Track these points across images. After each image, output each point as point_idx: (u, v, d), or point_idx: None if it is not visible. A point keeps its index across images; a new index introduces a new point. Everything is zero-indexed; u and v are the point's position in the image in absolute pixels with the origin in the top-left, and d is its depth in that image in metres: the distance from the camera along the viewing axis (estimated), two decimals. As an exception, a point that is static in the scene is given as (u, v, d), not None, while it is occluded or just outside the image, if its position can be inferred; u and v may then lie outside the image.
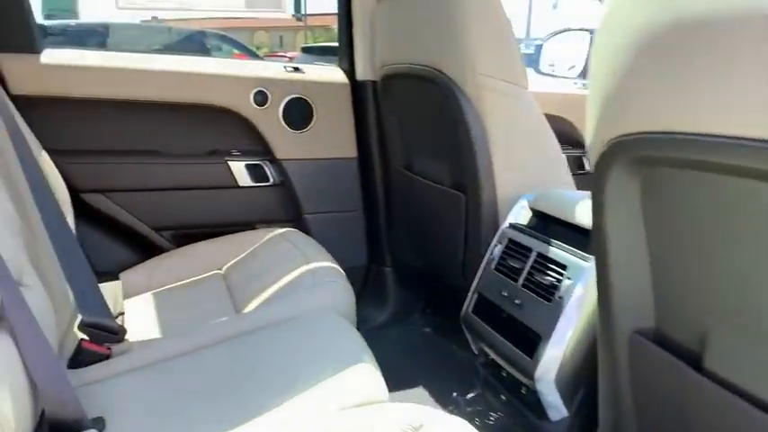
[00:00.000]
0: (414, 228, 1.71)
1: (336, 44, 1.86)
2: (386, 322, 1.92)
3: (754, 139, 0.47)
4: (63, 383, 0.84)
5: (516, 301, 1.04)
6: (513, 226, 1.15)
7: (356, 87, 1.79)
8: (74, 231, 1.39)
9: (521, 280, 1.05)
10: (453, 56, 1.20)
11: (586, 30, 1.97)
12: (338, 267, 1.34)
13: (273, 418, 0.84)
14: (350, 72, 1.80)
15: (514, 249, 1.10)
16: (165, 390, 0.96)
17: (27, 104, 1.46)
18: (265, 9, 1.73)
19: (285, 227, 1.73)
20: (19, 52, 1.49)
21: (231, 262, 1.49)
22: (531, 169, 1.24)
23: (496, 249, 1.14)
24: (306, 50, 10.52)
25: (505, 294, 1.07)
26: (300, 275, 1.27)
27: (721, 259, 0.58)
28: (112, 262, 1.56)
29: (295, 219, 1.82)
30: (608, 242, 0.69)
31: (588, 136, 0.68)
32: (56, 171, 1.40)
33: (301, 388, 0.88)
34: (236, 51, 7.73)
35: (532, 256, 1.04)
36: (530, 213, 1.16)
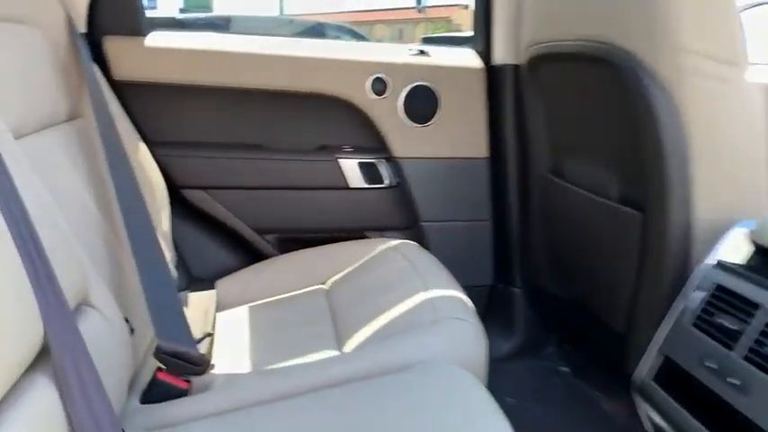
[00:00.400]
0: (558, 248, 1.39)
1: (458, 34, 1.58)
2: (511, 354, 1.62)
3: None
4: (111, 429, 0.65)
5: (733, 380, 0.71)
6: (723, 265, 0.81)
7: (492, 73, 1.50)
8: (169, 231, 1.24)
9: (741, 348, 0.72)
10: (642, 25, 0.88)
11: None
12: (465, 298, 1.07)
13: None
14: (485, 54, 1.51)
15: (728, 301, 0.76)
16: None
17: (129, 91, 1.35)
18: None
19: (399, 235, 1.50)
20: (123, 35, 1.37)
21: (336, 276, 1.28)
22: (748, 185, 0.88)
23: (696, 296, 0.81)
24: (426, 41, 10.32)
25: (713, 366, 0.74)
26: (418, 307, 1.02)
27: None
28: (209, 266, 1.41)
29: (411, 226, 1.57)
30: None
31: None
32: (154, 164, 1.26)
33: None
34: (358, 45, 7.68)
35: (761, 317, 0.71)
36: (749, 248, 0.81)
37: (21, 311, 0.60)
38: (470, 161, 1.56)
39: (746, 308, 0.73)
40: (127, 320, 0.89)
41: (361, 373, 0.88)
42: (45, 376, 0.62)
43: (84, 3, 1.32)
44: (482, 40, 1.51)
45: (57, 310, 0.65)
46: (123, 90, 1.36)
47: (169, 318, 0.92)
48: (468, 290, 1.58)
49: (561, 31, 1.13)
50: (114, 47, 1.36)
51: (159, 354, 0.89)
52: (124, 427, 0.72)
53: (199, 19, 6.38)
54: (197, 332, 1.05)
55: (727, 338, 0.74)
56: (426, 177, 1.55)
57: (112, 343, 0.80)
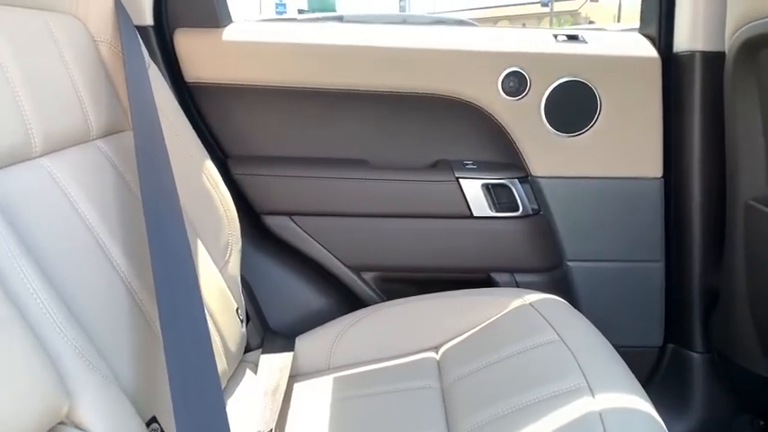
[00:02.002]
0: (757, 304, 0.96)
1: (586, 28, 1.17)
2: None
3: None
4: None
5: None
6: None
7: (671, 64, 1.09)
8: (238, 273, 0.98)
9: None
10: None
11: None
12: (654, 414, 0.69)
13: None
14: (663, 40, 1.10)
15: None
16: None
17: (202, 95, 1.11)
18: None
19: (536, 279, 1.14)
20: (196, 26, 1.13)
21: (453, 342, 0.94)
22: None
23: None
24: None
25: None
26: (580, 423, 0.65)
27: None
28: (289, 316, 1.13)
29: (553, 268, 1.20)
30: None
31: None
32: (223, 186, 1.01)
33: None
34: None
35: None
36: None
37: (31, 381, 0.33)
38: (636, 182, 1.15)
39: None
40: (153, 422, 0.63)
41: None
42: None
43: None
44: (657, 20, 1.09)
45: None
46: (196, 94, 1.13)
47: (202, 425, 0.63)
48: (629, 350, 1.19)
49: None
50: (186, 42, 1.13)
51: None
52: None
53: (310, 20, 6.36)
54: (258, 427, 0.77)
55: None
56: (575, 203, 1.17)
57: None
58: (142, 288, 0.70)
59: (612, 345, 0.86)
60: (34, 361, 0.48)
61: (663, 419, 1.23)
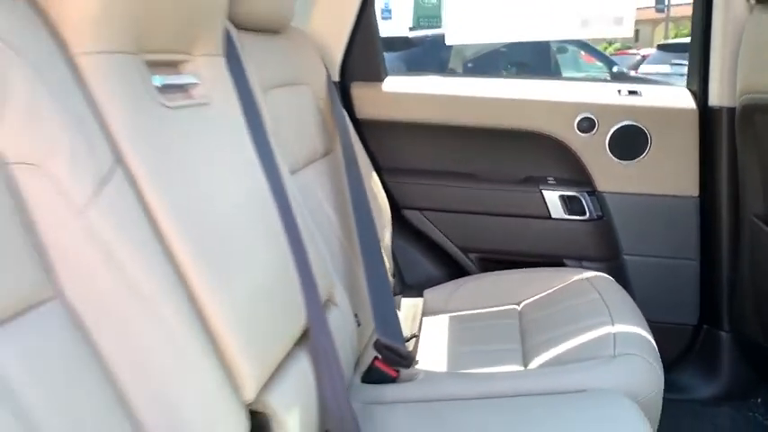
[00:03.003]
0: (764, 294, 1.34)
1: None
2: (714, 398, 1.58)
3: None
4: (343, 403, 0.91)
5: None
6: None
7: (706, 114, 1.49)
8: (390, 244, 1.51)
9: None
10: None
11: None
12: (649, 338, 1.13)
13: None
14: (701, 95, 1.50)
15: None
16: (439, 430, 0.96)
17: (367, 127, 1.65)
18: (604, 28, 1.56)
19: (597, 267, 1.57)
20: (365, 80, 1.68)
21: (530, 299, 1.42)
22: None
23: None
24: (662, 48, 9.54)
25: None
26: (601, 339, 1.12)
27: None
28: (420, 277, 1.65)
29: (610, 258, 1.63)
30: None
31: None
32: (380, 188, 1.55)
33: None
34: (582, 52, 7.47)
35: None
36: None
37: (292, 301, 0.89)
38: (678, 199, 1.56)
39: None
40: (356, 316, 1.17)
41: (539, 389, 1.03)
42: (304, 353, 0.90)
43: (339, 58, 1.67)
44: (698, 79, 1.50)
45: (314, 303, 0.93)
46: (363, 127, 1.67)
47: (387, 317, 1.17)
48: (667, 327, 1.58)
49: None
50: (359, 91, 1.68)
51: (378, 345, 1.15)
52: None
53: (427, 37, 6.86)
54: (406, 332, 1.29)
55: None
56: (631, 212, 1.59)
57: (345, 333, 1.08)
58: (348, 244, 1.25)
59: (656, 320, 1.25)
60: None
61: (694, 383, 1.66)
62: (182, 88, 0.84)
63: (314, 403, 0.88)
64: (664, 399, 1.06)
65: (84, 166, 0.61)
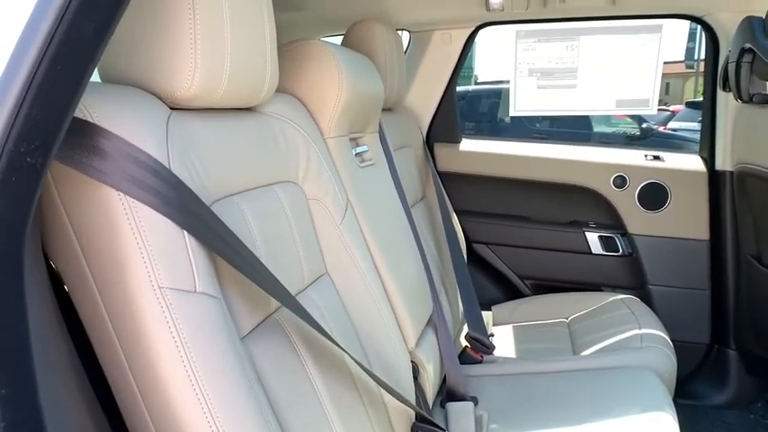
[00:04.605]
0: (761, 317, 1.74)
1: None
2: (723, 404, 1.96)
3: None
4: (456, 366, 1.35)
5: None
6: None
7: (714, 176, 1.93)
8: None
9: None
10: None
11: None
12: (667, 338, 1.55)
13: None
14: (709, 161, 1.95)
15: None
16: (518, 394, 1.39)
17: (446, 178, 2.13)
18: (633, 107, 2.04)
19: (628, 293, 1.99)
20: (445, 142, 2.18)
21: (576, 314, 1.85)
22: None
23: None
24: (690, 105, 9.96)
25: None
26: (631, 337, 1.54)
27: None
28: (487, 296, 2.10)
29: (639, 287, 2.05)
30: None
31: None
32: (458, 225, 2.02)
33: (605, 422, 1.19)
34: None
35: None
36: None
37: (425, 293, 1.35)
38: (693, 242, 1.98)
39: None
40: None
41: (587, 367, 1.45)
42: (431, 330, 1.36)
43: (426, 124, 2.17)
44: (707, 148, 1.95)
45: (435, 297, 1.39)
46: (443, 177, 2.15)
47: (475, 317, 1.62)
48: (685, 344, 1.98)
49: (755, 158, 1.56)
50: (440, 150, 2.18)
51: (468, 337, 1.59)
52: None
53: (469, 91, 7.42)
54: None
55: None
56: (655, 250, 2.02)
57: (449, 323, 1.53)
58: (442, 264, 1.71)
59: (676, 339, 1.65)
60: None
61: (707, 392, 2.06)
62: (361, 154, 1.34)
63: (439, 361, 1.33)
64: (684, 405, 1.45)
65: (337, 201, 1.09)
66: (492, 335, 1.77)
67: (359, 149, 1.32)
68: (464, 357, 1.57)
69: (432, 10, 1.98)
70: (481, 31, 2.10)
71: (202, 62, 0.71)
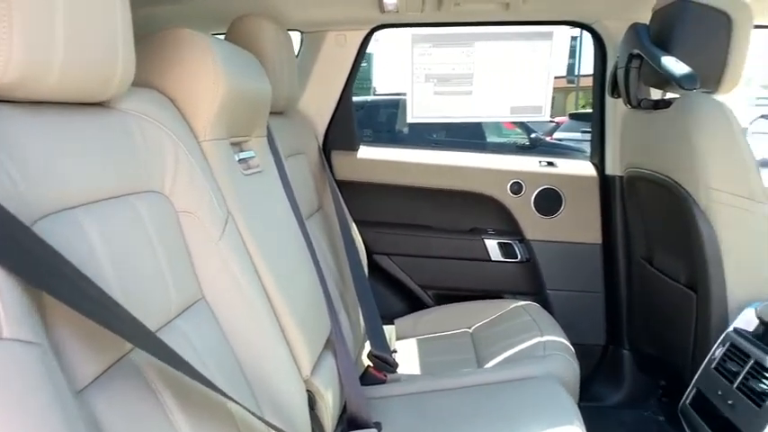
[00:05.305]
0: (651, 317, 1.79)
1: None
2: (619, 403, 2.00)
3: None
4: (358, 390, 1.24)
5: (729, 402, 1.11)
6: (737, 331, 1.22)
7: (604, 181, 1.98)
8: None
9: (736, 383, 1.12)
10: (688, 170, 1.34)
11: None
12: (568, 344, 1.54)
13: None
14: (599, 166, 2.00)
15: (735, 354, 1.17)
16: (423, 415, 1.30)
17: (345, 187, 2.02)
18: (527, 114, 2.05)
19: (528, 299, 1.98)
20: (343, 149, 2.07)
21: (478, 324, 1.80)
22: (763, 279, 1.28)
23: (718, 351, 1.22)
24: (573, 116, 10.64)
25: (720, 394, 1.15)
26: (534, 346, 1.51)
27: None
28: (389, 309, 2.01)
29: (538, 293, 2.05)
30: None
31: None
32: (359, 236, 1.91)
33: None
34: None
35: (750, 363, 1.11)
36: (756, 321, 1.21)
37: (322, 312, 1.23)
38: (586, 246, 2.02)
39: (743, 357, 1.13)
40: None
41: (491, 380, 1.40)
42: (329, 353, 1.24)
43: (322, 131, 2.06)
44: (598, 154, 2.00)
45: (333, 316, 1.27)
46: (341, 186, 2.04)
47: (377, 334, 1.51)
48: (583, 347, 2.00)
49: (643, 163, 1.60)
50: (337, 158, 2.07)
51: (371, 356, 1.49)
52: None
53: (367, 101, 7.40)
54: (387, 349, 1.64)
55: (730, 376, 1.14)
56: (551, 256, 2.04)
57: (350, 344, 1.41)
58: (341, 278, 1.60)
59: (573, 341, 1.64)
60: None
61: (603, 392, 2.08)
62: (246, 161, 1.19)
63: (338, 387, 1.21)
64: (584, 407, 1.44)
65: (214, 214, 0.95)
66: (395, 351, 1.68)
67: (243, 155, 1.18)
68: (367, 378, 1.46)
69: (324, 10, 1.87)
70: (379, 43, 2.03)
71: (20, 46, 0.57)
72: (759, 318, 1.19)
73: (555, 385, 1.32)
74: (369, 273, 1.94)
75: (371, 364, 1.48)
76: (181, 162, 0.90)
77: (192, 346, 0.80)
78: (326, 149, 2.06)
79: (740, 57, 1.39)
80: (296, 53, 1.74)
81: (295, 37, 2.01)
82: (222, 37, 1.50)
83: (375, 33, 2.02)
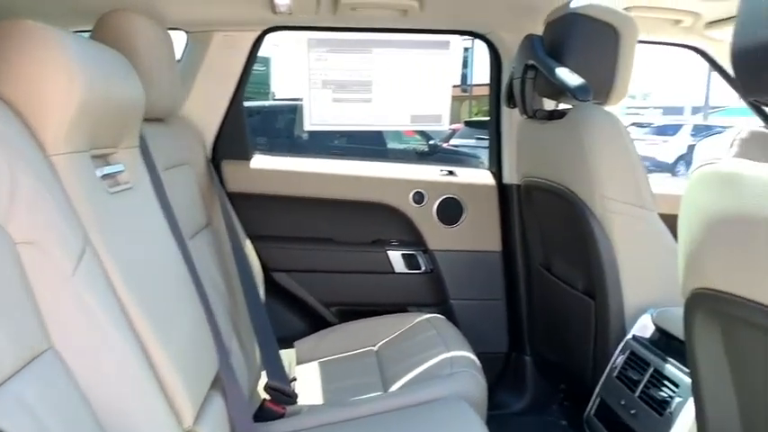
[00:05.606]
0: (551, 324, 1.81)
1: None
2: (522, 410, 2.01)
3: None
4: (252, 430, 1.11)
5: (632, 411, 1.12)
6: (636, 338, 1.23)
7: (503, 189, 1.98)
8: (263, 304, 1.73)
9: (638, 391, 1.13)
10: (583, 180, 1.35)
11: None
12: (474, 358, 1.50)
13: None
14: (497, 175, 2.00)
15: (635, 361, 1.18)
16: (324, 450, 1.20)
17: (237, 199, 1.87)
18: (427, 123, 2.02)
19: (433, 310, 1.94)
20: (234, 158, 1.93)
21: (383, 341, 1.73)
22: (657, 285, 1.31)
23: (619, 359, 1.23)
24: (468, 124, 11.02)
25: (623, 403, 1.15)
26: (440, 363, 1.46)
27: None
28: (290, 330, 1.88)
29: (442, 303, 2.02)
30: (699, 376, 0.79)
31: (679, 282, 0.80)
32: (254, 253, 1.78)
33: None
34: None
35: (650, 371, 1.12)
36: (652, 328, 1.23)
37: (208, 348, 1.09)
38: (487, 254, 2.01)
39: (643, 365, 1.15)
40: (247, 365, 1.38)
41: (398, 405, 1.32)
42: (218, 391, 1.10)
43: (211, 139, 1.90)
44: (495, 163, 2.01)
45: (222, 351, 1.14)
46: (233, 198, 1.89)
47: (274, 363, 1.39)
48: (487, 356, 1.99)
49: (540, 172, 1.61)
50: (229, 168, 1.92)
51: (267, 388, 1.36)
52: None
53: (264, 107, 7.16)
54: (286, 376, 1.52)
55: (632, 384, 1.15)
56: (454, 265, 2.01)
57: (243, 378, 1.28)
58: (233, 302, 1.46)
59: (478, 350, 1.62)
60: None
61: (507, 400, 2.08)
62: (112, 176, 1.03)
63: (227, 429, 1.08)
64: (491, 414, 1.41)
65: (66, 244, 0.79)
66: (295, 379, 1.56)
67: (109, 170, 1.01)
68: (264, 413, 1.34)
69: (210, 8, 1.72)
70: (279, 47, 1.90)
71: None
72: (655, 324, 1.21)
73: (462, 406, 1.27)
74: (266, 292, 1.81)
75: (269, 397, 1.36)
76: (18, 182, 0.74)
77: (31, 414, 0.64)
78: (216, 159, 1.91)
79: (627, 69, 1.43)
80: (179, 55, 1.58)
81: (180, 37, 1.85)
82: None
83: (272, 36, 1.90)
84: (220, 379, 1.12)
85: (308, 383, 1.55)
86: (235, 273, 1.51)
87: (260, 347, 1.40)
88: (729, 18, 1.62)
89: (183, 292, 1.09)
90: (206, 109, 1.87)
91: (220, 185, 1.74)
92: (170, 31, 1.49)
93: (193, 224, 1.47)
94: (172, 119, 1.59)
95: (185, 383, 0.93)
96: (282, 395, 1.36)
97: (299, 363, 1.69)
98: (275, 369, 1.39)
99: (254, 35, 1.87)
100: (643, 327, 1.25)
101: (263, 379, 1.40)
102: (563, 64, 1.39)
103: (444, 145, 10.01)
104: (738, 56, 0.64)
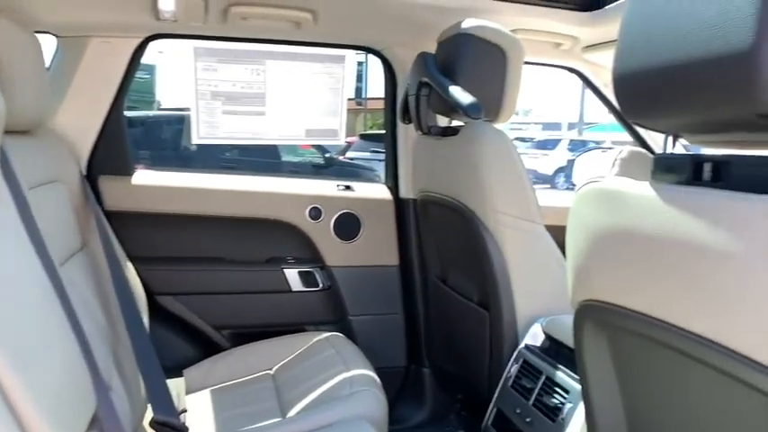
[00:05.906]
0: (447, 336, 1.84)
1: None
2: (422, 422, 2.02)
3: (689, 332, 0.61)
4: None
5: (527, 419, 1.15)
6: (528, 347, 1.28)
7: (399, 204, 2.00)
8: (147, 331, 1.61)
9: (531, 399, 1.17)
10: (476, 195, 1.39)
11: (611, 148, 2.13)
12: (374, 375, 1.49)
13: None
14: (394, 190, 2.02)
15: (528, 370, 1.22)
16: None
17: (116, 218, 1.73)
18: (322, 137, 2.00)
19: (331, 328, 1.90)
20: (113, 174, 1.78)
21: (280, 363, 1.66)
22: (547, 295, 1.38)
23: (513, 368, 1.27)
24: (363, 137, 11.14)
25: (518, 411, 1.19)
26: (340, 383, 1.42)
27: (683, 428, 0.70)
28: (178, 358, 1.76)
29: (340, 320, 1.99)
30: (588, 383, 0.82)
31: (568, 293, 0.83)
32: (136, 276, 1.64)
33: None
34: (298, 139, 8.25)
35: (542, 379, 1.16)
36: (543, 336, 1.29)
37: (83, 386, 0.98)
38: (385, 268, 2.02)
39: (536, 373, 1.19)
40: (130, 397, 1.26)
41: (297, 431, 1.27)
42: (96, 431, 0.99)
43: (86, 153, 1.74)
44: (392, 178, 2.02)
45: (100, 387, 1.03)
46: (112, 217, 1.75)
47: (160, 395, 1.28)
48: (387, 371, 1.98)
49: (435, 187, 1.65)
50: (107, 184, 1.77)
51: (153, 423, 1.25)
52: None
53: (149, 117, 6.78)
54: (175, 408, 1.41)
55: (526, 393, 1.19)
56: (352, 281, 1.99)
57: (125, 414, 1.17)
58: (113, 331, 1.33)
59: (378, 365, 1.60)
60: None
61: (407, 413, 2.08)
62: (-37, 196, 0.90)
63: None
64: (391, 430, 1.40)
65: None
66: (185, 410, 1.45)
67: (-43, 189, 0.88)
68: (150, 451, 1.22)
69: (84, 11, 1.58)
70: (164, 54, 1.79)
71: None
72: (545, 332, 1.26)
73: (363, 426, 1.24)
74: (150, 318, 1.68)
75: (155, 433, 1.25)
76: None
77: None
78: (92, 175, 1.75)
79: (515, 88, 1.49)
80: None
81: (49, 41, 1.68)
82: None
83: (157, 44, 1.78)
84: (98, 419, 1.01)
85: (199, 414, 1.45)
86: (114, 299, 1.38)
87: (144, 379, 1.29)
88: (604, 43, 1.76)
89: (52, 324, 0.97)
90: (80, 120, 1.71)
91: (96, 204, 1.59)
92: (38, 35, 1.35)
93: (66, 248, 1.33)
94: (40, 131, 1.43)
95: (55, 427, 0.82)
96: (171, 429, 1.26)
97: (188, 392, 1.58)
98: (161, 401, 1.28)
99: (135, 42, 1.75)
100: (534, 335, 1.30)
101: (150, 413, 1.28)
102: (454, 82, 1.42)
103: (340, 158, 10.04)
104: (619, 81, 0.67)
